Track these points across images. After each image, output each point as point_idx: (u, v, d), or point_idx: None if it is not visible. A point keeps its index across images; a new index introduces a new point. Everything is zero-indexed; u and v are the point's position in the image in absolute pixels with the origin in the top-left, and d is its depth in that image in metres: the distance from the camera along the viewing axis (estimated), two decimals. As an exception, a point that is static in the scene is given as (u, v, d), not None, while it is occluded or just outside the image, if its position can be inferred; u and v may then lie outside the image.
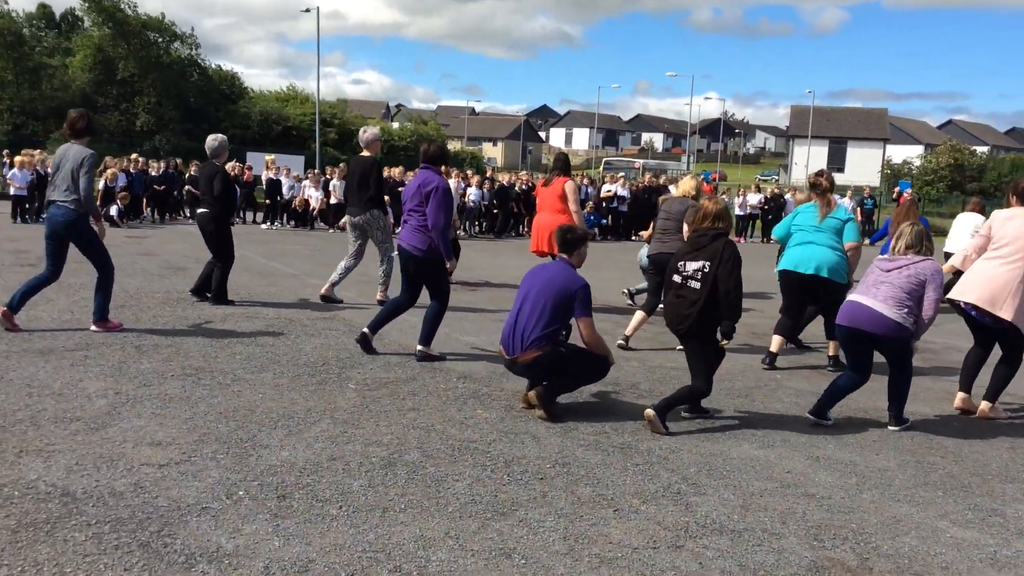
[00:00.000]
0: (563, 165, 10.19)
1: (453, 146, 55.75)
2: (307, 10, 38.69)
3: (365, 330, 7.28)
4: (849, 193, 24.40)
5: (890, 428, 5.99)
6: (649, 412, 5.51)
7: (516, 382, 6.56)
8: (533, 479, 4.55)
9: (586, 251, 6.02)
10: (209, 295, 9.31)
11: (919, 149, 77.21)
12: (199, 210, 9.45)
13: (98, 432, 4.90)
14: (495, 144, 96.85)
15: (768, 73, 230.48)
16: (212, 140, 9.39)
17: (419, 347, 7.21)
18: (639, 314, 8.29)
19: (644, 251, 10.90)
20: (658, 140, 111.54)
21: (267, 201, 21.24)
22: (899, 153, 72.53)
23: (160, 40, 42.48)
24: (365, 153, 9.85)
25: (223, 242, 9.23)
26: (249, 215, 22.65)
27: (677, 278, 5.74)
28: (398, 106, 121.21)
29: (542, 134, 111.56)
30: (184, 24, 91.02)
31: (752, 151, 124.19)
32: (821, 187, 7.59)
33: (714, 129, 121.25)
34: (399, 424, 5.36)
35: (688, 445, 5.31)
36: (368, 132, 10.03)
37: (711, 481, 4.69)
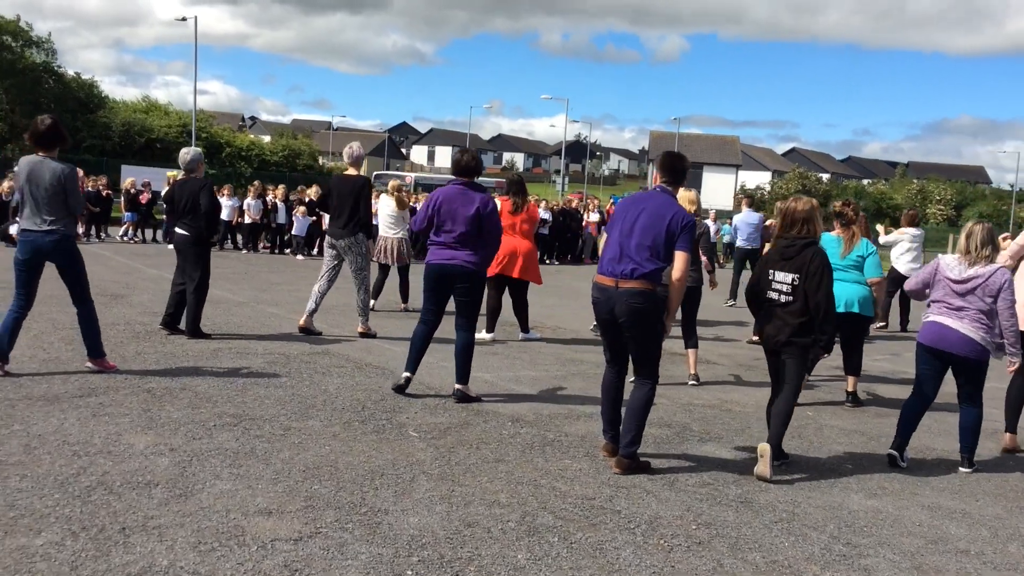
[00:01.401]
0: (523, 187, 10.07)
1: (311, 161, 54.20)
2: (183, 18, 37.08)
3: (408, 375, 6.83)
4: (712, 215, 25.13)
5: (962, 470, 5.99)
6: (764, 447, 5.40)
7: (573, 424, 6.30)
8: (693, 544, 4.29)
9: None
10: (182, 327, 8.58)
11: (767, 175, 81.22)
12: (178, 231, 8.62)
13: (190, 499, 4.33)
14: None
15: (615, 97, 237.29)
16: (186, 153, 8.65)
17: (458, 386, 6.82)
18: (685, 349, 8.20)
19: None
20: (519, 160, 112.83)
21: (163, 218, 19.99)
22: (749, 179, 76.14)
23: (14, 44, 39.49)
24: (351, 172, 9.35)
25: (204, 267, 8.53)
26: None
27: (772, 293, 5.62)
28: (252, 118, 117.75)
29: (404, 151, 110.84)
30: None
31: (608, 173, 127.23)
32: (847, 218, 7.53)
33: (572, 151, 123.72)
34: (500, 479, 5.00)
35: (799, 496, 5.16)
36: (355, 149, 9.52)
37: (861, 540, 4.55)
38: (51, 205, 6.47)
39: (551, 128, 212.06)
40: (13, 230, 16.30)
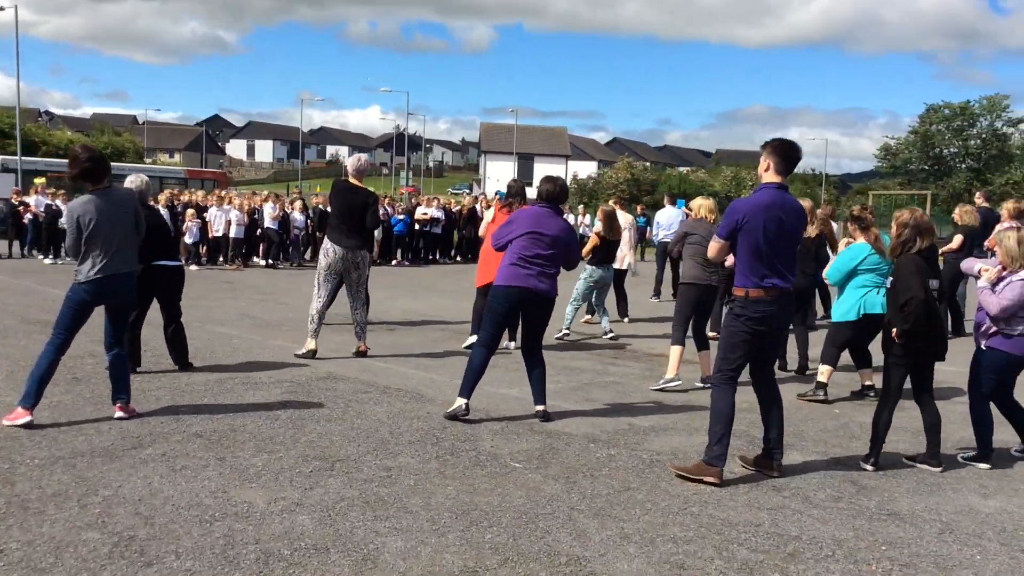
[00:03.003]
0: (523, 195, 9.83)
1: (136, 159, 50.93)
2: (1, 8, 33.81)
3: (467, 402, 6.52)
4: (640, 208, 25.72)
5: None
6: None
7: (650, 440, 6.22)
8: (899, 566, 4.24)
9: None
10: (190, 361, 7.92)
11: (594, 165, 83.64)
12: (164, 262, 7.72)
13: (379, 563, 3.96)
14: (172, 155, 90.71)
15: (426, 87, 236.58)
16: (137, 180, 7.80)
17: (542, 407, 6.64)
18: (698, 352, 8.18)
19: (594, 271, 10.78)
20: (343, 153, 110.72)
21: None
22: (579, 169, 78.16)
23: None
24: (354, 181, 8.81)
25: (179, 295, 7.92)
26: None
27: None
28: (47, 113, 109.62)
29: (219, 144, 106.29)
30: None
31: (433, 165, 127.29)
32: (867, 222, 7.72)
33: (395, 143, 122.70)
34: (655, 511, 4.79)
35: (928, 502, 5.24)
36: (362, 160, 9.02)
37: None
38: (129, 246, 6.21)
39: (367, 120, 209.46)
40: None
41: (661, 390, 7.88)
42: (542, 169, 78.06)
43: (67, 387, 6.89)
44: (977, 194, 14.13)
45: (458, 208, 23.15)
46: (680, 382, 7.93)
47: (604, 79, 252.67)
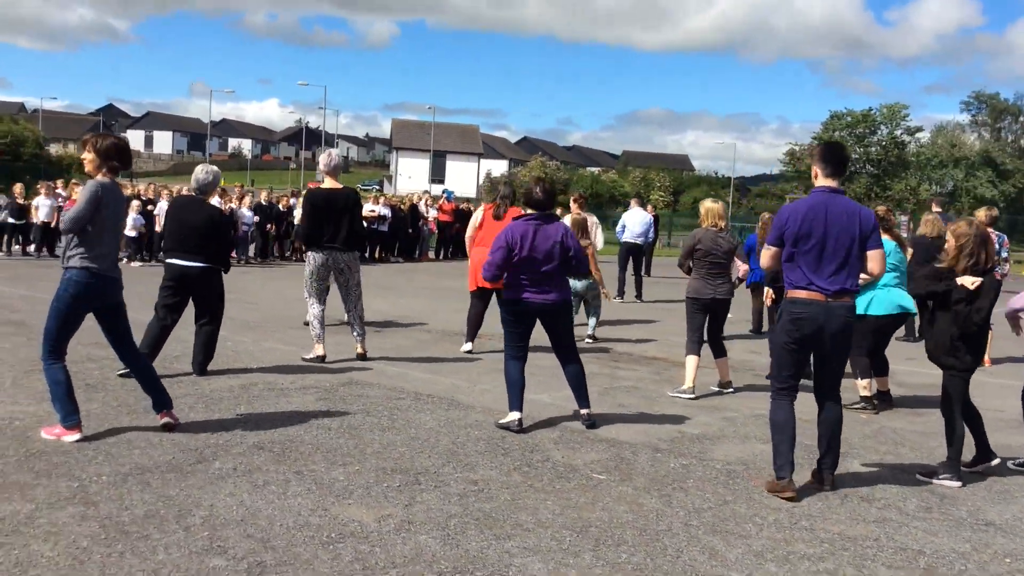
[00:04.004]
0: (513, 197, 9.66)
1: (36, 148, 48.33)
2: None
3: (521, 416, 6.34)
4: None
5: None
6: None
7: (713, 448, 6.17)
8: None
9: None
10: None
11: (505, 164, 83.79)
12: (190, 263, 7.28)
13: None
14: (66, 146, 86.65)
15: (326, 81, 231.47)
16: (205, 173, 7.46)
17: (586, 411, 6.53)
18: (715, 359, 8.13)
19: (575, 283, 10.62)
20: (247, 146, 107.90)
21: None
22: (491, 167, 78.17)
23: None
24: (330, 183, 8.48)
25: (222, 297, 7.56)
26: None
27: None
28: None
29: (118, 135, 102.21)
30: None
31: (339, 160, 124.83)
32: (889, 223, 7.82)
33: (299, 137, 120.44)
34: (771, 527, 4.69)
35: (1013, 510, 5.30)
36: (333, 156, 8.64)
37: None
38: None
39: (264, 112, 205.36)
40: None
41: (675, 396, 7.83)
42: (455, 167, 77.96)
43: (86, 395, 6.41)
44: (933, 203, 14.40)
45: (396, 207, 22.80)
46: (693, 394, 7.82)
47: (506, 78, 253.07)
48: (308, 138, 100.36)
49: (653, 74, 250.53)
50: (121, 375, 6.99)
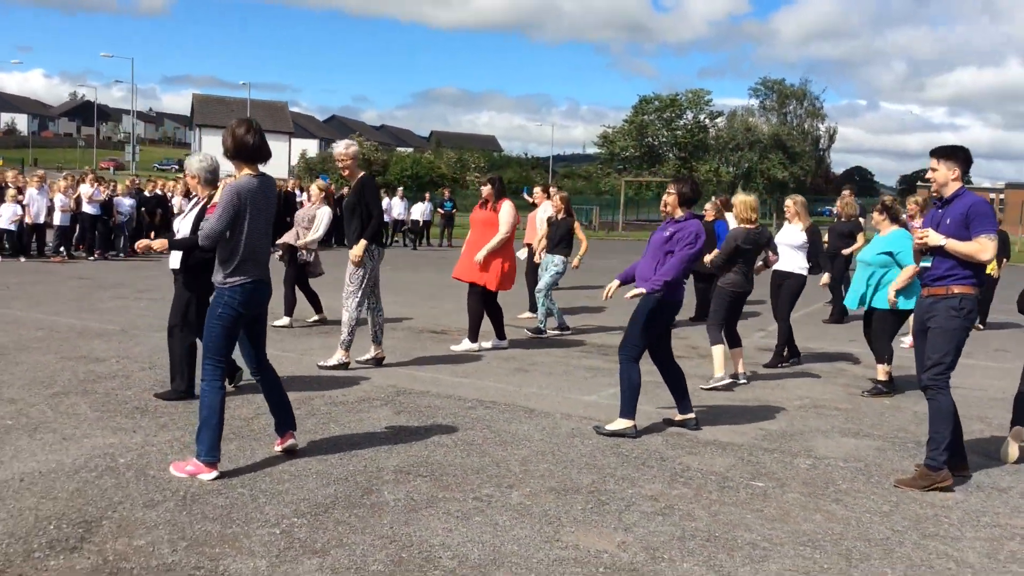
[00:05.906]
0: (503, 188, 9.43)
1: None
2: None
3: (635, 423, 6.20)
4: (427, 195, 25.15)
5: None
6: (1020, 430, 5.95)
7: (813, 445, 6.28)
8: None
9: None
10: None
11: (315, 143, 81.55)
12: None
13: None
14: None
15: (97, 50, 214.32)
16: (210, 161, 6.66)
17: (691, 416, 6.49)
18: (730, 350, 8.19)
19: (563, 261, 10.45)
20: (22, 122, 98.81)
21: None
22: (304, 146, 75.78)
23: None
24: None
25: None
26: None
27: None
28: None
29: None
30: None
31: (122, 136, 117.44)
32: (896, 211, 8.08)
33: (81, 112, 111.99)
34: (964, 526, 4.78)
35: None
36: (351, 146, 7.95)
37: None
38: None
39: (28, 84, 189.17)
40: None
41: (712, 389, 7.91)
42: (264, 146, 74.72)
43: (152, 421, 5.67)
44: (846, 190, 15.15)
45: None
46: (728, 380, 8.00)
47: (291, 51, 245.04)
48: (90, 113, 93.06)
49: (446, 52, 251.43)
50: (157, 395, 6.26)
